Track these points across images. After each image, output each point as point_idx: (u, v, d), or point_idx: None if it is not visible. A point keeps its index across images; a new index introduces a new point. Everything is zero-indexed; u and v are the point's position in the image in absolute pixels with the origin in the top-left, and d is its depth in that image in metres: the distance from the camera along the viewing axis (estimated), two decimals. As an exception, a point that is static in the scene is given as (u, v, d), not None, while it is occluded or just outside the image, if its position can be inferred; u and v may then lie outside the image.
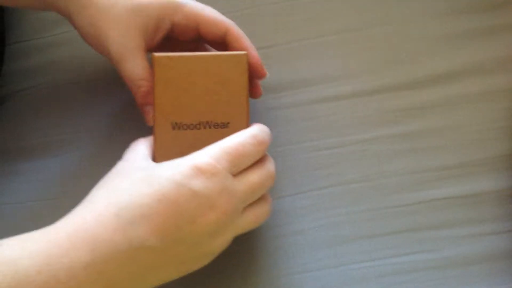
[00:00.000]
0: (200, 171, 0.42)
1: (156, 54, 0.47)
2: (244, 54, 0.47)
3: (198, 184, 0.41)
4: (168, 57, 0.46)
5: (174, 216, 0.41)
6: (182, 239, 0.42)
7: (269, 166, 0.47)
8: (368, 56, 0.57)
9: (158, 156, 0.47)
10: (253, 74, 0.50)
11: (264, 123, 0.48)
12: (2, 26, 0.64)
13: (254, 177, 0.45)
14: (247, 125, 0.47)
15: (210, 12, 0.50)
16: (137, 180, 0.42)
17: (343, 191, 0.55)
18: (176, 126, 0.47)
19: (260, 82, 0.53)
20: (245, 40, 0.50)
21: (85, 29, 0.49)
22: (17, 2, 0.54)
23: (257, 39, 0.55)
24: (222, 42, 0.51)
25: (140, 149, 0.46)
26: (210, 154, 0.43)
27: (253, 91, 0.53)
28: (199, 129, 0.47)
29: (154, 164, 0.44)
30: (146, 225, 0.40)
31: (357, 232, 0.54)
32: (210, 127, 0.47)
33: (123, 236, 0.40)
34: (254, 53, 0.50)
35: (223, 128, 0.47)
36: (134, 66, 0.48)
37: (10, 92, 0.61)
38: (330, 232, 0.54)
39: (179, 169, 0.42)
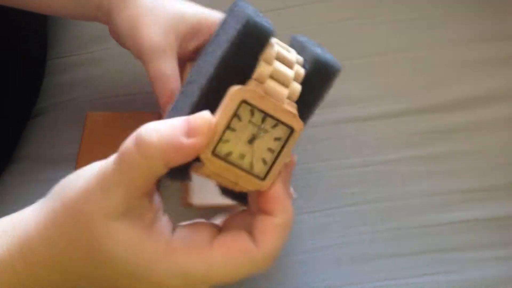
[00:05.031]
0: None
1: None
2: None
3: None
4: None
5: None
6: None
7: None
8: (395, 80, 0.59)
9: None
10: None
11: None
12: (45, 42, 0.67)
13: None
14: None
15: None
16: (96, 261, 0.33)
17: (367, 210, 0.55)
18: None
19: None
20: None
21: (123, 25, 0.50)
22: (59, 10, 0.55)
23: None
24: None
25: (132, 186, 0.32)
26: None
27: None
28: None
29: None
30: None
31: (380, 251, 0.54)
32: None
33: None
34: None
35: None
36: (165, 64, 0.48)
37: (47, 105, 0.64)
38: (353, 249, 0.54)
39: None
